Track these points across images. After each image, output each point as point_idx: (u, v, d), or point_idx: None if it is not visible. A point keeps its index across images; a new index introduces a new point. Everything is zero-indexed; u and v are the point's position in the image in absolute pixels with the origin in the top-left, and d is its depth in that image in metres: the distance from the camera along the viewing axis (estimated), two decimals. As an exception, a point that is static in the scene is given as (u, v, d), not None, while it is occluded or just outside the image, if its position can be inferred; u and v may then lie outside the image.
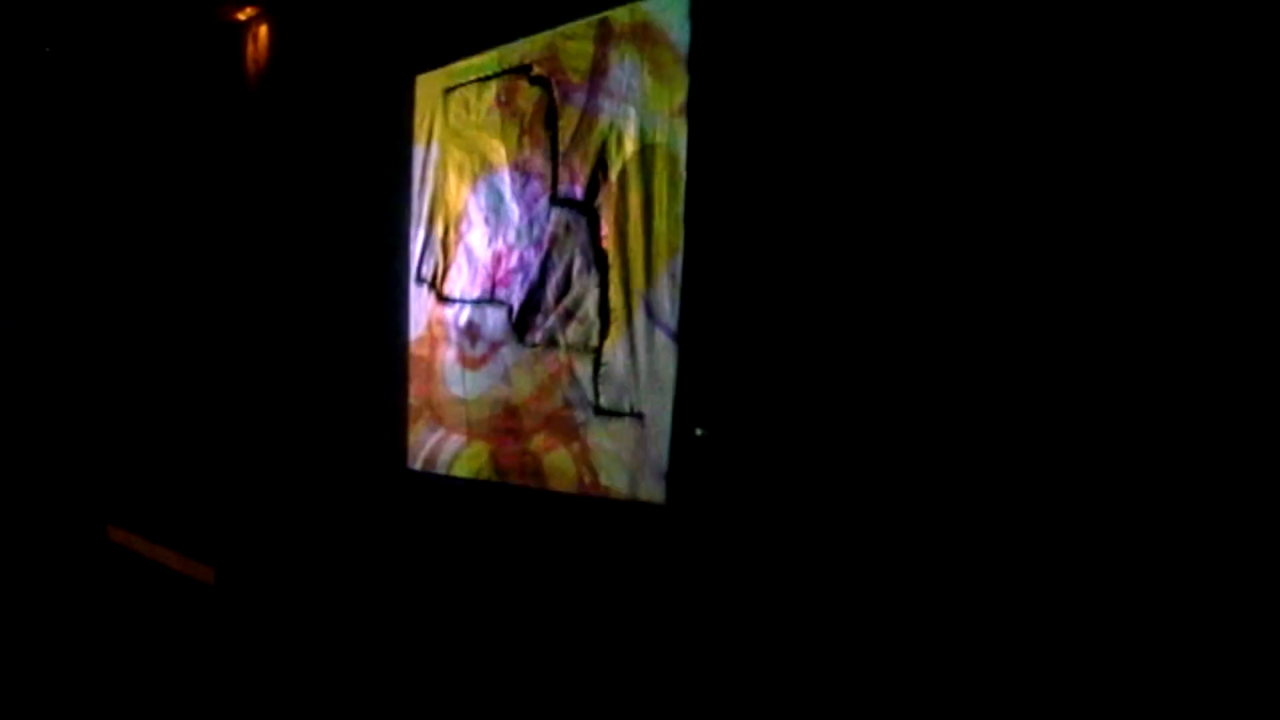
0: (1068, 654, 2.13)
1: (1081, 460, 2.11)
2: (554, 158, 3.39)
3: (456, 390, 3.80)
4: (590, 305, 3.23)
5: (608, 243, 3.17)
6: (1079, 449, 2.12)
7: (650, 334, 3.03)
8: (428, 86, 3.95)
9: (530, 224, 3.49)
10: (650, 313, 3.03)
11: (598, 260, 3.21)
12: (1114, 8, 2.07)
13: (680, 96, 2.95)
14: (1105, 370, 2.09)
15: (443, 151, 3.87)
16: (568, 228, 3.33)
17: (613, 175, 3.16)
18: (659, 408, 3.00)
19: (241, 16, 4.96)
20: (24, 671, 3.94)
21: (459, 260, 3.81)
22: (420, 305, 4.00)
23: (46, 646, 4.28)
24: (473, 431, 3.72)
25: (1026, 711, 2.18)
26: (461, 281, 3.79)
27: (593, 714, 3.18)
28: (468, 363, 3.75)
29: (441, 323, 3.89)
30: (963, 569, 2.29)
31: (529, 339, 3.47)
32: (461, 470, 3.77)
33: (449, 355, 3.84)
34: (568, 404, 3.31)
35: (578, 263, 3.29)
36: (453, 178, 3.83)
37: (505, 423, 3.57)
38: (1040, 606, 2.17)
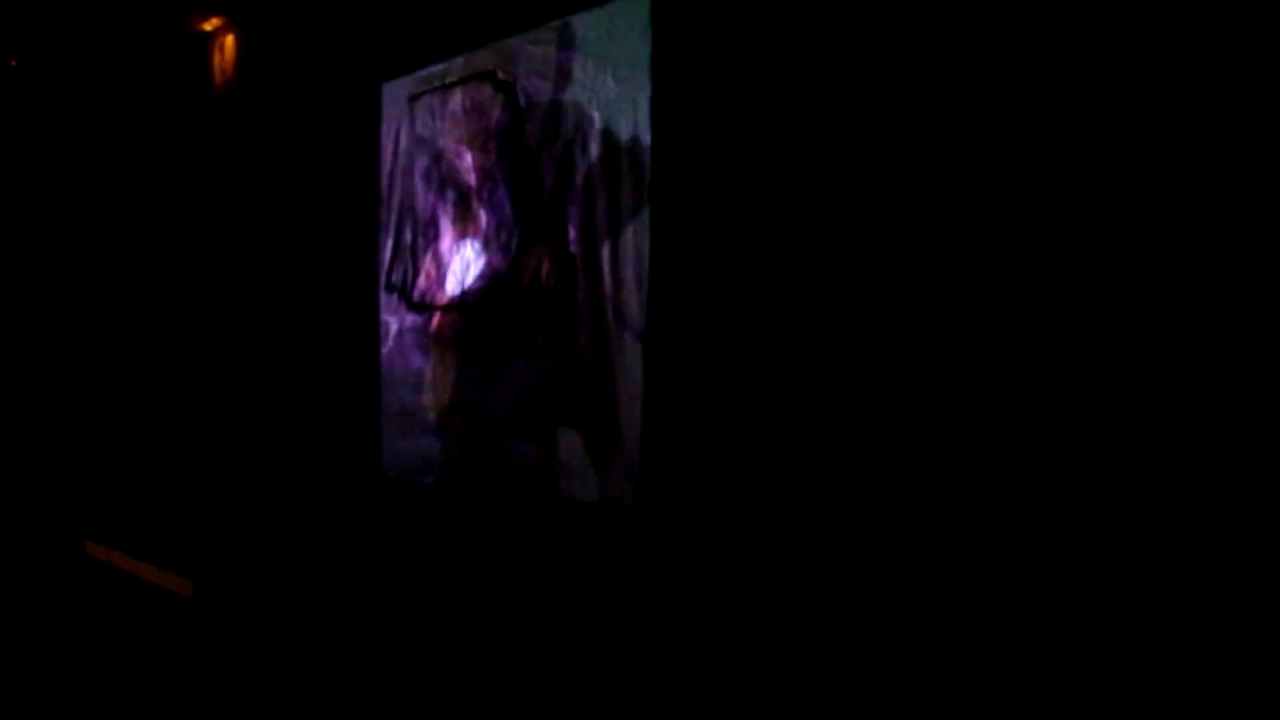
0: (1047, 655, 2.14)
1: (1051, 453, 2.14)
2: (520, 162, 3.40)
3: (428, 397, 3.80)
4: (559, 309, 3.24)
5: (575, 247, 3.18)
6: (1048, 444, 2.14)
7: (619, 337, 3.03)
8: (393, 94, 3.95)
9: (498, 229, 3.49)
10: (618, 316, 3.03)
11: (565, 265, 3.22)
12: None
13: (644, 99, 2.96)
14: (1076, 363, 2.11)
15: (409, 159, 3.88)
16: (535, 233, 3.34)
17: (579, 179, 3.17)
18: (629, 410, 3.01)
19: (207, 27, 4.94)
20: (2, 686, 3.92)
21: (428, 267, 3.81)
22: (391, 313, 4.00)
23: (24, 661, 4.25)
24: (445, 438, 3.72)
25: (1010, 713, 2.20)
26: (431, 288, 3.79)
27: (570, 717, 3.19)
28: (438, 369, 3.75)
29: (412, 330, 3.89)
30: (936, 566, 2.31)
31: (499, 344, 3.47)
32: (435, 477, 3.77)
33: (420, 362, 3.84)
34: (538, 408, 3.31)
35: (546, 267, 3.29)
36: (420, 185, 3.83)
37: (477, 428, 3.57)
38: (1018, 608, 2.19)
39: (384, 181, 4.00)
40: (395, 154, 3.95)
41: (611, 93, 3.06)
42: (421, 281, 3.84)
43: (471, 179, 3.61)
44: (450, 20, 3.68)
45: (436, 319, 3.77)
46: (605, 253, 3.07)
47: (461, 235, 3.65)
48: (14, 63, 6.06)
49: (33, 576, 5.78)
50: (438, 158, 3.75)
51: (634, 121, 2.99)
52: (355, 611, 4.14)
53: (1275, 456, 1.84)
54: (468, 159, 3.62)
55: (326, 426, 4.38)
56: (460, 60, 3.64)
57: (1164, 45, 1.96)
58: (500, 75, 3.48)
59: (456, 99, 3.66)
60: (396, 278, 3.96)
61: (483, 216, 3.56)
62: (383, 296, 4.03)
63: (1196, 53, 1.93)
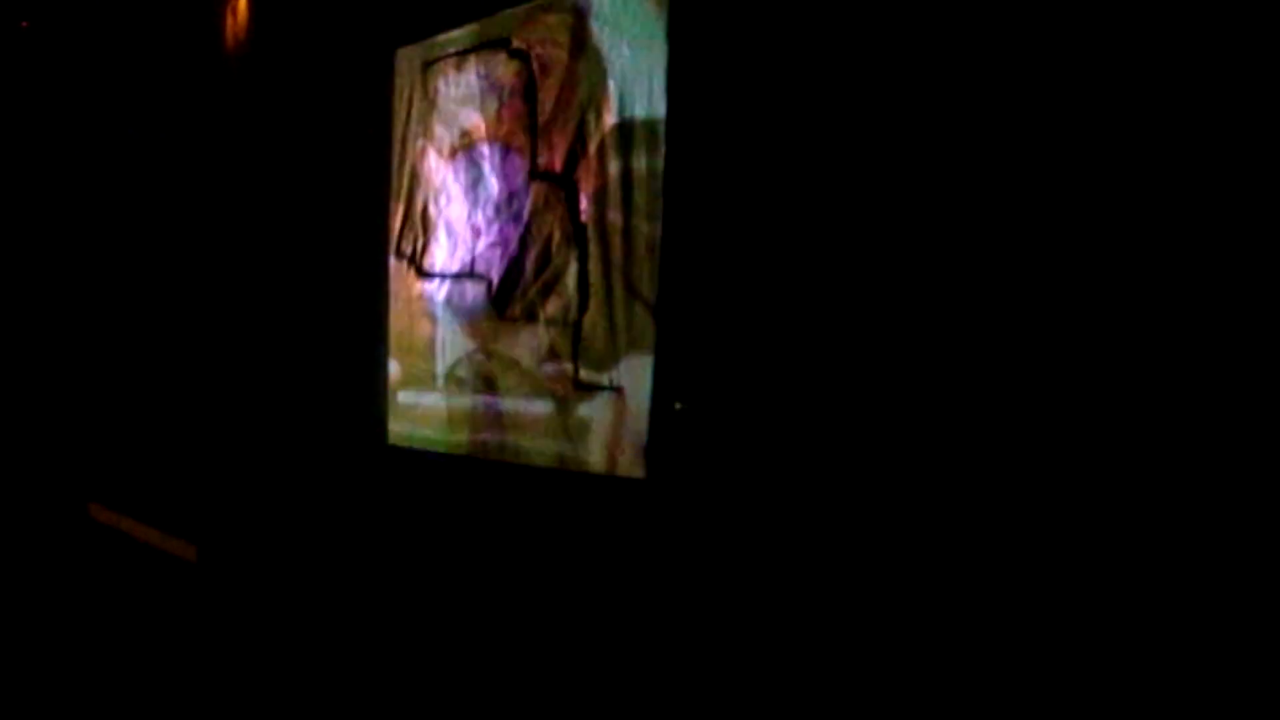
0: (1056, 651, 2.14)
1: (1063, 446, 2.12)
2: (533, 131, 3.37)
3: (436, 365, 3.79)
4: (569, 279, 3.22)
5: (586, 216, 3.16)
6: (1060, 438, 2.13)
7: (629, 307, 3.02)
8: (407, 60, 3.93)
9: (509, 198, 3.48)
10: (629, 286, 3.02)
11: (577, 234, 3.20)
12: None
13: (660, 68, 2.93)
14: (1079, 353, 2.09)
15: (422, 125, 3.85)
16: (547, 201, 3.32)
17: (591, 148, 3.15)
18: (638, 381, 3.00)
19: (220, -10, 4.92)
20: (6, 649, 3.94)
21: (438, 234, 3.79)
22: (399, 280, 3.99)
23: (29, 625, 4.27)
24: (452, 406, 3.71)
25: (1016, 710, 2.19)
26: (441, 256, 3.78)
27: (571, 691, 3.19)
28: (447, 337, 3.74)
29: (421, 297, 3.87)
30: (948, 546, 2.30)
31: (508, 313, 3.46)
32: (441, 445, 3.77)
33: (428, 330, 3.83)
34: (547, 378, 3.30)
35: (557, 236, 3.28)
36: (432, 152, 3.81)
37: (484, 397, 3.56)
38: (1029, 600, 2.18)
39: (395, 148, 3.97)
40: (408, 121, 3.92)
41: (626, 61, 3.04)
42: (431, 249, 3.82)
43: (484, 147, 3.59)
44: (467, -14, 3.65)
45: (445, 287, 3.75)
46: (617, 223, 3.05)
47: (472, 203, 3.63)
48: (25, 24, 6.03)
49: (37, 540, 5.80)
50: (450, 125, 3.72)
51: (649, 91, 2.97)
52: (360, 579, 4.15)
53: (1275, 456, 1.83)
54: (480, 127, 3.60)
55: (333, 393, 4.38)
56: (475, 27, 3.61)
57: (1163, 45, 1.94)
58: (515, 43, 3.45)
59: (470, 66, 3.63)
60: (406, 245, 3.95)
61: (494, 185, 3.54)
62: (392, 263, 4.02)
63: (1196, 53, 1.90)
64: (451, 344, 3.72)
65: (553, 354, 3.28)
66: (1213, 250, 1.91)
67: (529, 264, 3.38)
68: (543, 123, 3.34)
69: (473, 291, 3.63)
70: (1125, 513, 2.01)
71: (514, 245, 3.45)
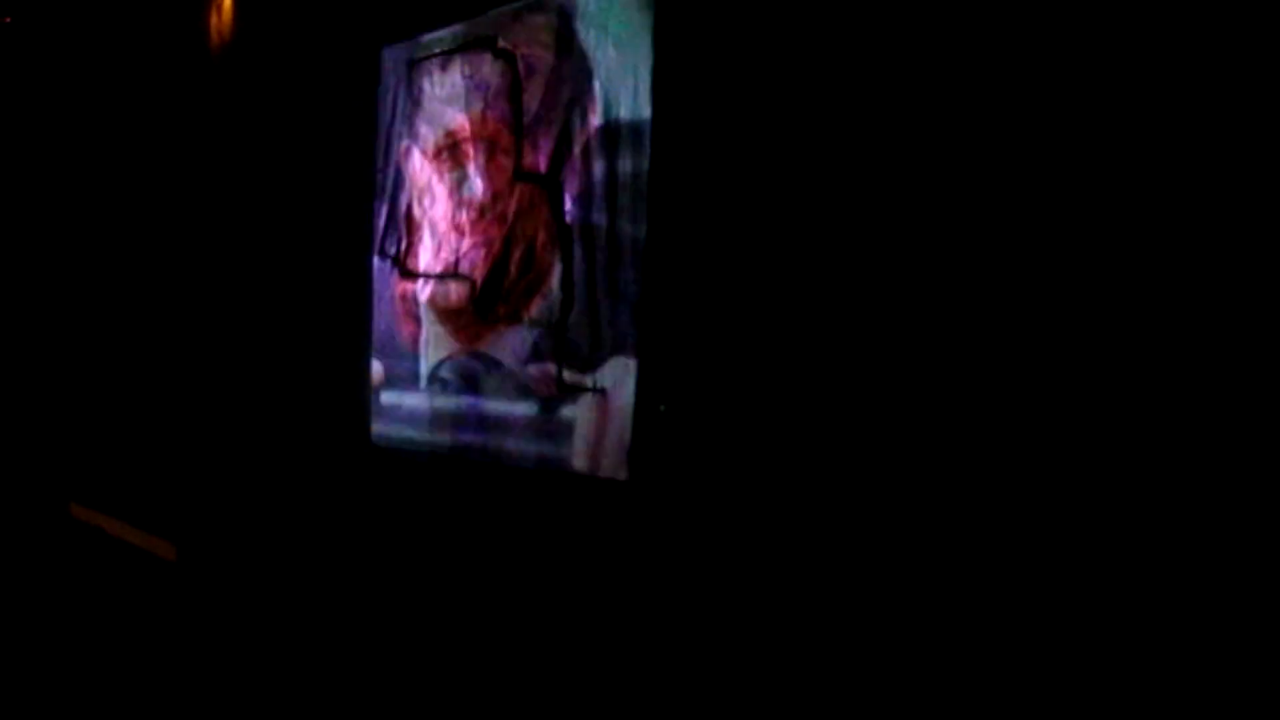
0: (1049, 650, 2.14)
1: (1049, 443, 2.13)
2: (518, 132, 3.36)
3: (419, 365, 3.78)
4: (553, 280, 3.22)
5: (571, 218, 3.16)
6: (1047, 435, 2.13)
7: (613, 309, 3.01)
8: (392, 59, 3.91)
9: (494, 199, 3.47)
10: (613, 288, 3.01)
11: (561, 235, 3.19)
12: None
13: (646, 69, 2.93)
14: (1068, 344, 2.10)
15: (406, 125, 3.84)
16: (531, 202, 3.31)
17: (576, 150, 3.14)
18: (622, 383, 2.99)
19: (205, -14, 4.89)
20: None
21: (422, 235, 3.78)
22: (382, 280, 3.97)
23: (8, 623, 4.24)
24: (435, 407, 3.70)
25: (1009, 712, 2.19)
26: (424, 256, 3.77)
27: (553, 692, 3.18)
28: (430, 338, 3.73)
29: (404, 297, 3.86)
30: (930, 547, 2.30)
31: (492, 314, 3.45)
32: (424, 446, 3.75)
33: (411, 330, 3.82)
34: (530, 379, 3.29)
35: (541, 238, 3.27)
36: (416, 151, 3.80)
37: (468, 398, 3.55)
38: (1009, 604, 2.18)
39: (379, 147, 3.96)
40: (393, 120, 3.91)
41: (613, 62, 3.03)
42: (415, 249, 3.81)
43: (468, 147, 3.57)
44: (453, -16, 3.64)
45: (429, 287, 3.74)
46: (602, 224, 3.05)
47: (456, 204, 3.62)
48: (8, 19, 5.99)
49: (17, 540, 5.75)
50: (435, 125, 3.71)
51: (634, 92, 2.96)
52: (341, 579, 4.13)
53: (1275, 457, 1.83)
54: (465, 127, 3.59)
55: (315, 393, 4.36)
56: (461, 26, 3.60)
57: (1164, 45, 1.94)
58: (500, 43, 3.44)
59: (456, 66, 3.62)
60: (390, 245, 3.93)
61: (478, 185, 3.53)
62: (375, 263, 4.00)
63: (1196, 53, 1.91)
64: (435, 345, 3.71)
65: (536, 355, 3.27)
66: (1208, 252, 1.91)
67: (513, 265, 3.37)
68: (527, 123, 3.33)
69: (456, 292, 3.61)
70: (1112, 515, 2.02)
71: (498, 246, 3.44)
